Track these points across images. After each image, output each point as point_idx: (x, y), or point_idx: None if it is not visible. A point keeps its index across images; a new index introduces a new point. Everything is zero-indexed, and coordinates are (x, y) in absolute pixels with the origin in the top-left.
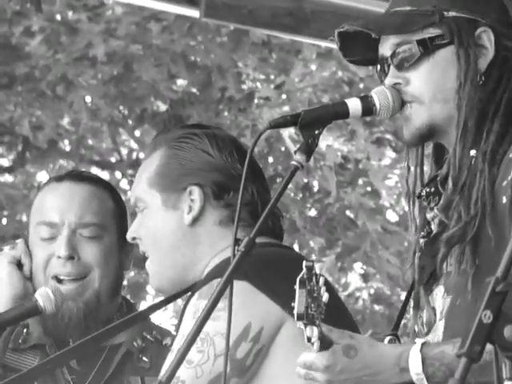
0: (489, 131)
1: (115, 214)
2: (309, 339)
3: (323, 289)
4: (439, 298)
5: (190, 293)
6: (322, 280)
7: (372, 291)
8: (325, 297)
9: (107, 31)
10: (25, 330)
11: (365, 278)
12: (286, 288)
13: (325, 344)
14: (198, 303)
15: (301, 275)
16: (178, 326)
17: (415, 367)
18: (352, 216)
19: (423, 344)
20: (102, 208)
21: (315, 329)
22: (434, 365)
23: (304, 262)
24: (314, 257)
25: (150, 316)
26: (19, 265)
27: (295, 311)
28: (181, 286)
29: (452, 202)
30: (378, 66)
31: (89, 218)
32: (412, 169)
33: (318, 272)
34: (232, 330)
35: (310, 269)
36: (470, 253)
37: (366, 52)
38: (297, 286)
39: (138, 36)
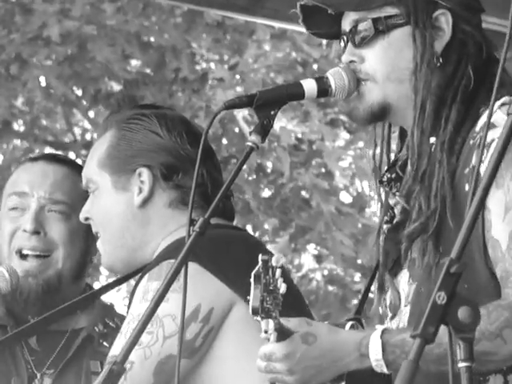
0: (447, 119)
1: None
2: (266, 332)
3: (280, 280)
4: (403, 282)
5: (140, 274)
6: (278, 272)
7: (325, 272)
8: (282, 288)
9: (62, 11)
10: None
11: (318, 259)
12: (237, 270)
13: (283, 335)
14: (148, 285)
15: (256, 269)
16: (128, 308)
17: (375, 353)
18: (306, 197)
19: (384, 330)
20: (74, 189)
21: (271, 321)
22: (395, 352)
23: (259, 256)
24: (267, 238)
25: (103, 296)
26: None
27: (250, 305)
28: (131, 266)
29: (413, 190)
30: (342, 43)
31: (59, 195)
32: (378, 146)
33: (274, 265)
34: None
35: (266, 262)
36: (433, 246)
37: (331, 25)
38: (252, 281)
39: (92, 16)
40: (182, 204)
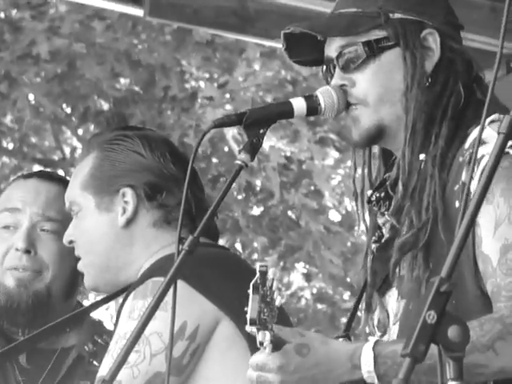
0: (437, 135)
1: None
2: (261, 343)
3: (276, 293)
4: (393, 300)
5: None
6: (275, 284)
7: (314, 291)
8: (278, 301)
9: (51, 29)
10: None
11: (307, 277)
12: (222, 288)
13: (277, 346)
14: (133, 303)
15: (254, 280)
16: (114, 327)
17: (367, 365)
18: (295, 216)
19: (376, 342)
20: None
21: (267, 333)
22: (387, 363)
23: (258, 267)
24: (256, 256)
25: (92, 313)
26: None
27: (248, 316)
28: (116, 286)
29: (403, 207)
30: (324, 67)
31: (52, 213)
32: (359, 169)
33: (271, 277)
34: (168, 328)
35: (264, 273)
36: (423, 259)
37: (312, 53)
38: (250, 291)
39: (82, 34)
40: (166, 223)
